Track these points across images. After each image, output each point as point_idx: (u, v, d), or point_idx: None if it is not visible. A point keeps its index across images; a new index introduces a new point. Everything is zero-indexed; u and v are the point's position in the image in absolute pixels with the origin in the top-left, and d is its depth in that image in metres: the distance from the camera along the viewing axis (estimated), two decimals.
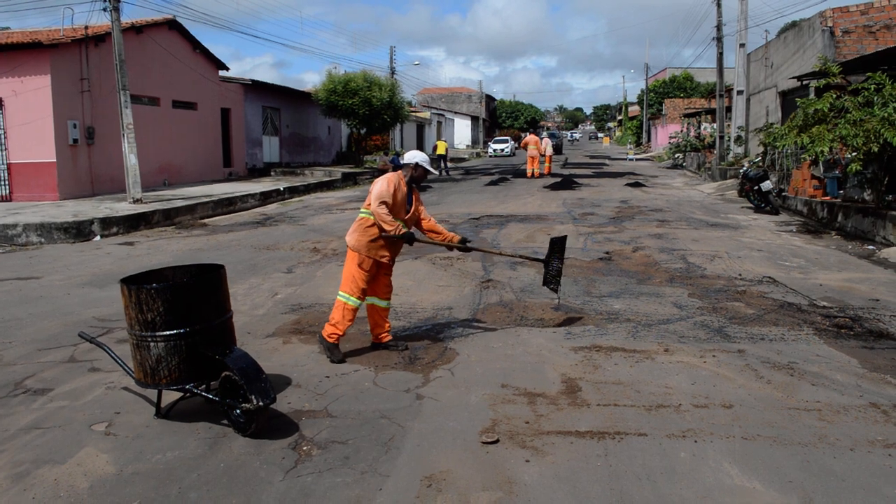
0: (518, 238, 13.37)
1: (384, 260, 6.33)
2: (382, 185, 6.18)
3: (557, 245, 7.17)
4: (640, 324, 7.33)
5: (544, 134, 51.10)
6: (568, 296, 8.59)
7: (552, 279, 7.18)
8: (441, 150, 36.90)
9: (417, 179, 6.42)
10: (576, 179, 29.33)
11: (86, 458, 4.48)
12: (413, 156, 6.43)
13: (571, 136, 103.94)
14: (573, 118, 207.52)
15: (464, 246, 6.62)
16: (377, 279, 6.42)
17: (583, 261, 10.91)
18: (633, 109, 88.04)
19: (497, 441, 4.57)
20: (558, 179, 29.37)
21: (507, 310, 8.01)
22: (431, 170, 6.49)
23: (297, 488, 4.03)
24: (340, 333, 6.28)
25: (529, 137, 32.89)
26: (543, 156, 32.44)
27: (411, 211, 6.42)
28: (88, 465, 4.37)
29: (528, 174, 31.28)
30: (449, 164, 44.34)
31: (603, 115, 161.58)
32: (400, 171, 6.40)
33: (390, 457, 4.41)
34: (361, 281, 6.26)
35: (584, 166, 41.12)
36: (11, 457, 4.51)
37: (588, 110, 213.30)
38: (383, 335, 6.57)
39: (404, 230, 6.22)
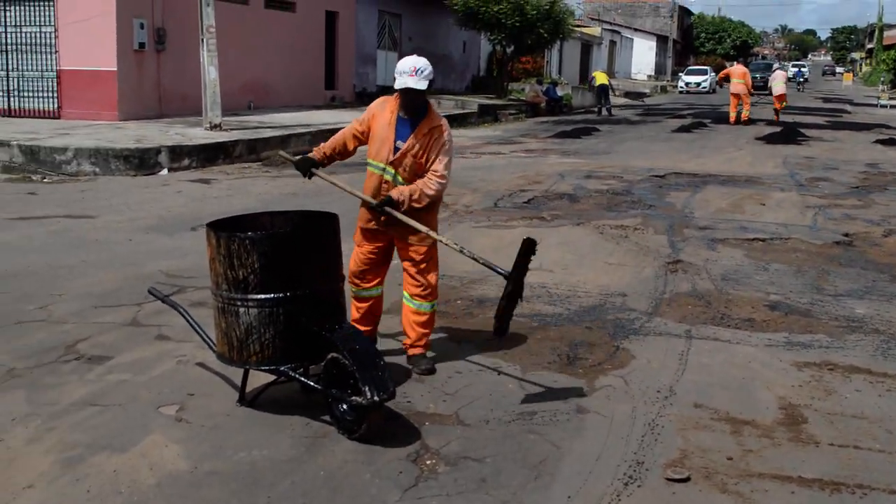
0: (719, 206, 13.07)
1: (367, 225, 6.05)
2: None
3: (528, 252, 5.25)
4: (895, 338, 7.05)
5: (777, 65, 49.77)
6: (790, 291, 8.34)
7: (506, 312, 5.44)
8: (602, 80, 36.51)
9: (408, 104, 5.69)
10: (801, 130, 28.30)
11: (152, 447, 4.74)
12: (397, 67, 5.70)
13: (797, 73, 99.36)
14: (801, 44, 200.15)
15: (378, 206, 5.77)
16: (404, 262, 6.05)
17: (812, 244, 10.56)
18: (892, 35, 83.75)
19: (688, 479, 4.52)
20: (777, 129, 28.45)
21: (702, 303, 7.87)
22: (407, 83, 5.49)
23: None
24: (366, 329, 6.09)
25: (735, 68, 32.03)
26: (772, 95, 31.87)
27: (402, 151, 5.74)
28: (155, 457, 4.63)
29: (732, 119, 30.76)
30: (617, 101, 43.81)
31: (844, 43, 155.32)
32: (398, 95, 5.76)
33: (541, 484, 4.44)
34: (353, 258, 6.10)
35: (813, 112, 39.61)
36: (62, 437, 4.82)
37: (823, 34, 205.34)
38: (406, 344, 6.09)
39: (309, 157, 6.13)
